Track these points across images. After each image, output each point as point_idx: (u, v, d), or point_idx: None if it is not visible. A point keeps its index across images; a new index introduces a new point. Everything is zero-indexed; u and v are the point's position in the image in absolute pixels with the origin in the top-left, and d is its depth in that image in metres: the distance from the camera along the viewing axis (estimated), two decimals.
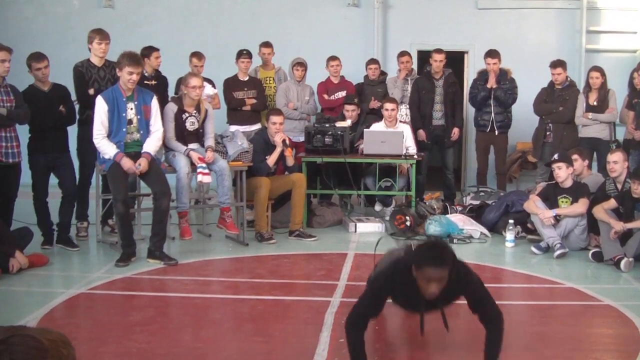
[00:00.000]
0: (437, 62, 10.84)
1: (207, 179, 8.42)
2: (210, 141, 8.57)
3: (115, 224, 8.54)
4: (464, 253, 8.37)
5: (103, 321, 6.08)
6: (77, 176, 8.83)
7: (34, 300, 6.43)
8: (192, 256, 8.15)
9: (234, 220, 8.78)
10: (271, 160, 9.17)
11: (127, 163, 7.65)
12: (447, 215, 9.63)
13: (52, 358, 2.00)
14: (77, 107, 8.75)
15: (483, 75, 10.93)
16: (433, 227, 9.14)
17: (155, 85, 9.46)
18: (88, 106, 8.40)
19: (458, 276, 4.41)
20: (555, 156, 8.74)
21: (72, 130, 8.82)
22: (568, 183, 8.57)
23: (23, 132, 8.18)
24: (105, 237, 8.86)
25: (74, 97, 8.68)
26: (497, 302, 4.68)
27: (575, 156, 8.91)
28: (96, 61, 8.68)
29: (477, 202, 10.15)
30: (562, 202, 8.55)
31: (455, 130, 11.00)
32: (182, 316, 6.30)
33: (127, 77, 7.62)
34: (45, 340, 2.02)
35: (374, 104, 11.04)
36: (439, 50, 10.96)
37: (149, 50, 9.77)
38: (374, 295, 4.69)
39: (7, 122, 7.75)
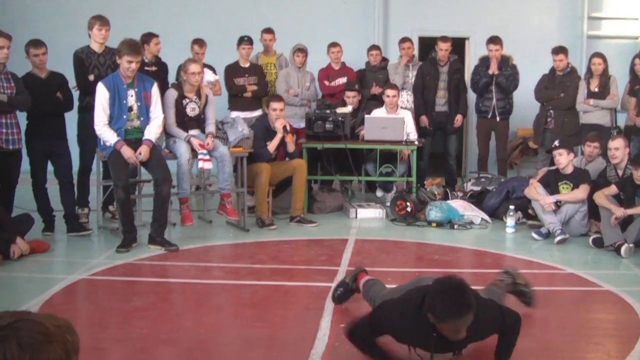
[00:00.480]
0: (443, 51, 10.83)
1: (208, 165, 8.41)
2: (211, 127, 8.57)
3: (115, 210, 8.55)
4: (464, 239, 8.43)
5: (104, 307, 6.09)
6: (78, 163, 8.83)
7: (35, 286, 6.44)
8: (193, 242, 8.16)
9: (234, 207, 8.78)
10: (272, 146, 9.16)
11: (127, 152, 7.65)
12: (448, 201, 9.63)
13: (57, 343, 2.00)
14: (76, 93, 8.74)
15: (485, 62, 10.91)
16: (434, 213, 9.14)
17: (155, 71, 9.45)
18: (88, 92, 8.39)
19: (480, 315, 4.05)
20: (556, 142, 8.73)
21: (72, 118, 8.81)
22: (569, 169, 8.57)
23: (21, 119, 8.17)
24: (106, 224, 8.86)
25: (72, 83, 8.66)
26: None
27: (596, 143, 8.89)
28: (96, 47, 8.67)
29: (477, 188, 10.15)
30: (563, 188, 8.55)
31: (459, 117, 10.99)
32: (183, 302, 6.32)
33: (127, 65, 7.61)
34: (51, 326, 2.02)
35: (375, 90, 11.02)
36: (444, 39, 10.94)
37: (148, 37, 9.76)
38: (372, 329, 4.39)
39: (8, 109, 7.75)
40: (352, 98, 10.57)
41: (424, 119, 10.85)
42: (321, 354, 4.86)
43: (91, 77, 8.49)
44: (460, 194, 10.19)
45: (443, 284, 3.98)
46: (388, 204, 9.93)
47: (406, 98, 11.04)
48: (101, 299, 6.39)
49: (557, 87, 10.39)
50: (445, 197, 10.10)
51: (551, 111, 10.44)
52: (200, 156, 8.30)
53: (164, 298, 6.34)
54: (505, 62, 10.76)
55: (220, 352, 5.17)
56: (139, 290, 6.50)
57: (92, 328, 5.43)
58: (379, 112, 10.35)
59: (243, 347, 5.16)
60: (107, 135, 7.68)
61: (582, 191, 8.40)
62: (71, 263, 7.37)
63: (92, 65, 8.61)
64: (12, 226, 7.46)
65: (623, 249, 7.63)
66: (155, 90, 7.93)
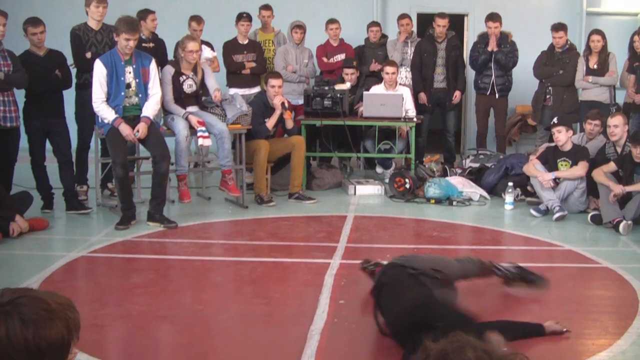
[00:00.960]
0: (441, 27, 10.78)
1: (207, 142, 8.41)
2: (215, 91, 8.58)
3: (114, 188, 8.55)
4: (463, 216, 8.44)
5: (103, 284, 6.11)
6: (76, 140, 8.83)
7: (35, 264, 6.45)
8: (191, 219, 8.17)
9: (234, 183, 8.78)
10: (270, 123, 9.15)
11: (125, 130, 7.64)
12: (447, 178, 9.63)
13: (59, 320, 2.01)
14: (74, 71, 8.72)
15: (484, 39, 10.88)
16: (432, 190, 9.15)
17: (152, 48, 9.42)
18: (85, 70, 8.38)
19: None
20: (555, 120, 8.73)
21: (70, 95, 8.79)
22: (567, 146, 8.57)
23: (19, 97, 8.15)
24: (105, 201, 8.87)
25: (70, 61, 8.64)
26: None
27: (597, 121, 8.88)
28: (93, 25, 8.64)
29: (476, 165, 10.15)
30: (562, 165, 8.56)
31: (457, 93, 10.97)
32: (182, 278, 6.33)
33: (124, 43, 7.58)
34: (53, 303, 2.04)
35: (374, 66, 10.99)
36: (442, 15, 10.89)
37: (144, 13, 9.71)
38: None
39: (5, 86, 7.74)
40: (350, 75, 10.54)
41: (422, 96, 10.83)
42: (320, 330, 4.88)
43: (88, 55, 8.47)
44: (459, 171, 10.19)
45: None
46: (387, 180, 9.93)
47: (405, 75, 11.02)
48: (101, 276, 6.41)
49: (556, 64, 10.37)
50: (444, 174, 10.10)
51: (550, 88, 10.42)
52: (199, 133, 8.29)
53: (163, 275, 6.36)
54: (504, 39, 10.73)
55: (219, 328, 5.19)
56: (138, 267, 6.52)
57: (91, 305, 5.45)
58: (377, 89, 10.33)
59: (242, 323, 5.18)
60: (105, 112, 7.67)
61: (581, 168, 8.40)
62: (70, 240, 7.38)
63: (89, 43, 8.59)
64: (12, 204, 7.47)
65: (621, 226, 7.64)
66: (153, 67, 7.91)
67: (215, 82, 8.70)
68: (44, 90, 8.19)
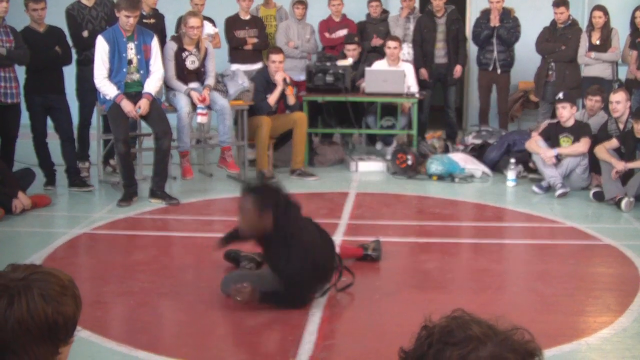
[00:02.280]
0: (437, 1, 10.71)
1: (203, 120, 8.47)
2: (210, 80, 8.53)
3: (116, 165, 8.55)
4: (465, 192, 8.44)
5: (106, 261, 6.13)
6: (77, 117, 8.82)
7: (37, 241, 6.47)
8: (193, 196, 8.18)
9: (235, 160, 8.77)
10: (272, 99, 9.13)
11: (127, 106, 7.62)
12: (449, 154, 9.61)
13: (70, 296, 2.04)
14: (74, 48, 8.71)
15: (486, 14, 10.82)
16: (434, 166, 9.14)
17: (153, 23, 9.38)
18: (83, 48, 8.39)
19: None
20: (560, 95, 8.67)
21: (71, 72, 8.77)
22: (570, 122, 8.54)
23: (19, 73, 8.13)
24: (107, 177, 8.87)
25: (68, 38, 8.61)
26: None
27: (597, 97, 8.85)
28: (86, 1, 8.63)
29: (478, 141, 10.12)
30: (564, 141, 8.54)
31: (458, 68, 10.93)
32: (184, 255, 6.35)
33: (124, 20, 7.56)
34: (64, 279, 2.06)
35: (376, 41, 10.94)
36: None
37: None
38: None
39: (6, 62, 7.72)
40: (352, 51, 10.50)
41: (423, 72, 10.78)
42: (322, 307, 4.90)
43: (85, 33, 8.48)
44: (461, 147, 10.17)
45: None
46: (389, 157, 9.92)
47: (407, 51, 10.96)
48: (103, 253, 6.43)
49: (559, 39, 10.32)
50: (446, 150, 10.09)
51: (552, 64, 10.37)
52: (199, 110, 8.30)
53: (165, 252, 6.38)
54: (506, 15, 10.67)
55: (221, 305, 5.20)
56: (140, 244, 6.54)
57: (94, 282, 5.48)
58: (380, 64, 10.29)
59: None
60: (107, 88, 7.65)
61: (583, 144, 8.39)
62: (73, 217, 7.39)
63: (85, 20, 8.57)
64: (14, 181, 7.46)
65: (623, 202, 7.64)
66: (155, 44, 7.89)
67: (214, 67, 8.66)
68: (44, 66, 8.16)
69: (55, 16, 8.62)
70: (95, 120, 8.64)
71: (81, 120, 8.87)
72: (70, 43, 8.60)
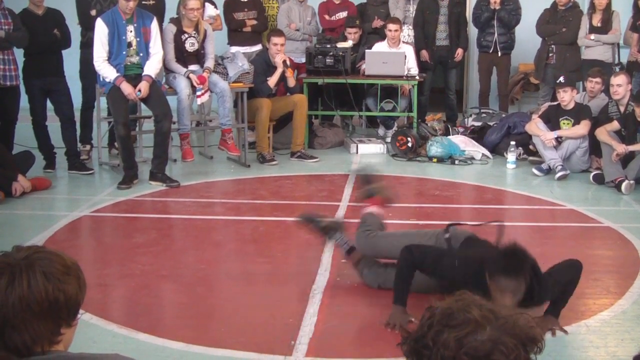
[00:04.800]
0: None
1: (204, 99, 8.48)
2: (209, 62, 8.51)
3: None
4: (465, 174, 8.44)
5: (106, 243, 6.15)
6: (80, 99, 8.82)
7: (38, 224, 6.48)
8: (194, 178, 8.18)
9: (235, 142, 8.77)
10: (272, 81, 9.11)
11: (127, 88, 7.61)
12: (449, 137, 9.61)
13: (73, 277, 2.07)
14: (77, 29, 8.69)
15: None
16: (435, 149, 9.13)
17: (153, 5, 9.35)
18: (90, 28, 8.34)
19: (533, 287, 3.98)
20: (561, 79, 8.64)
21: (71, 55, 8.75)
22: (570, 105, 8.53)
23: (18, 56, 8.11)
24: (112, 160, 8.86)
25: (69, 20, 8.59)
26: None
27: (597, 79, 8.84)
28: None
29: (478, 124, 10.12)
30: (564, 123, 8.53)
31: (459, 51, 10.90)
32: (185, 238, 6.36)
33: (124, 3, 7.55)
34: (67, 259, 2.10)
35: (376, 23, 10.91)
36: None
37: None
38: (435, 255, 4.44)
39: (5, 45, 7.71)
40: (353, 34, 10.46)
41: (424, 54, 10.76)
42: (322, 289, 4.91)
43: (93, 12, 8.44)
44: (461, 130, 10.16)
45: (509, 246, 4.00)
46: (389, 139, 9.92)
47: (407, 33, 10.93)
48: (103, 235, 6.45)
49: (559, 21, 10.28)
50: (446, 133, 10.08)
51: (553, 46, 10.34)
52: (198, 92, 8.30)
53: (165, 234, 6.39)
54: None
55: (221, 287, 5.22)
56: (140, 227, 6.54)
57: (95, 264, 5.49)
58: (380, 46, 10.27)
59: (244, 282, 5.22)
60: (106, 71, 7.65)
61: (583, 127, 8.38)
62: (73, 200, 7.40)
63: (94, 1, 8.55)
64: (13, 164, 7.46)
65: (624, 185, 7.64)
66: (154, 26, 7.87)
67: (213, 49, 8.64)
68: (43, 49, 8.14)
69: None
70: (97, 102, 8.62)
71: (84, 102, 8.87)
72: (69, 21, 8.57)
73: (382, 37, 10.50)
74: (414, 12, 10.96)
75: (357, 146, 9.68)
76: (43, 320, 2.00)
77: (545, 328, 4.21)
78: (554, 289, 4.27)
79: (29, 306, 1.97)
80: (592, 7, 10.05)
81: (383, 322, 4.34)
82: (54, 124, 8.46)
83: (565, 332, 4.30)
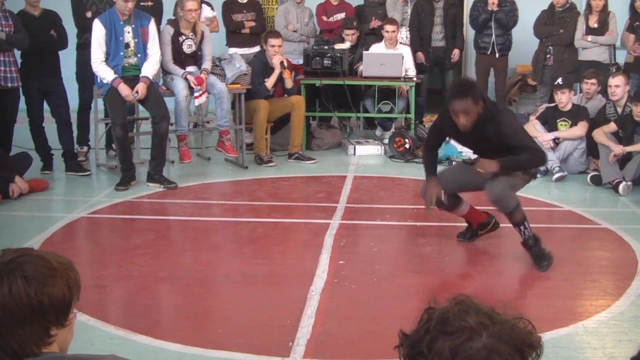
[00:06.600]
0: None
1: (201, 100, 8.47)
2: (207, 64, 8.50)
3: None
4: None
5: (104, 245, 6.14)
6: (77, 101, 8.82)
7: (35, 225, 6.48)
8: (191, 179, 8.18)
9: (233, 143, 8.77)
10: (270, 82, 9.11)
11: (124, 90, 7.61)
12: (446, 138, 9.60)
13: (60, 278, 2.05)
14: (74, 30, 8.68)
15: None
16: None
17: (151, 6, 9.34)
18: (85, 29, 8.33)
19: (487, 112, 5.11)
20: (559, 81, 8.64)
21: (68, 56, 8.76)
22: (568, 106, 8.54)
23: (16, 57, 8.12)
24: (104, 162, 8.86)
25: (65, 22, 8.58)
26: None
27: (593, 80, 8.85)
28: None
29: None
30: (561, 125, 8.54)
31: (456, 51, 10.91)
32: (183, 239, 6.36)
33: (123, 4, 7.55)
34: (54, 261, 2.08)
35: (374, 23, 10.91)
36: None
37: None
38: (433, 127, 5.97)
39: (6, 47, 7.70)
40: (350, 36, 10.46)
41: (420, 55, 10.75)
42: (320, 291, 4.91)
43: (88, 14, 8.43)
44: None
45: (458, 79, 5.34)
46: (386, 140, 9.92)
47: (405, 34, 10.94)
48: (101, 237, 6.44)
49: (557, 23, 10.29)
50: None
51: (550, 47, 10.35)
52: (195, 94, 8.29)
53: (163, 235, 6.39)
54: None
55: (219, 288, 5.23)
56: (138, 228, 6.54)
57: (92, 266, 5.49)
58: (378, 48, 10.26)
59: (242, 284, 5.23)
60: (103, 72, 7.64)
61: (581, 128, 8.39)
62: (71, 201, 7.39)
63: (90, 2, 8.55)
64: (11, 165, 7.45)
65: (621, 186, 7.64)
66: (152, 27, 7.87)
67: (210, 51, 8.61)
68: (40, 50, 8.14)
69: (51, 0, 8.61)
70: (94, 104, 8.61)
71: (81, 104, 8.86)
72: (65, 22, 8.57)
73: (379, 38, 10.50)
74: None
75: (354, 147, 9.68)
76: (28, 324, 1.99)
77: (484, 165, 5.28)
78: (510, 125, 5.28)
79: (11, 313, 1.96)
80: (589, 9, 10.06)
81: (418, 192, 5.85)
82: (51, 126, 8.45)
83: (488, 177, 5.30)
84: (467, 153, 9.13)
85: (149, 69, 7.79)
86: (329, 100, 10.16)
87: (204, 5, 9.38)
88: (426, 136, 5.94)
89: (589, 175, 8.16)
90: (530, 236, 5.44)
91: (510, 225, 5.55)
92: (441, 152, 9.03)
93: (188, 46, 8.42)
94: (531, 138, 5.61)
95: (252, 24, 10.46)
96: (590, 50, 10.03)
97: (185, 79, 8.26)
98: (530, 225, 5.47)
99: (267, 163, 8.89)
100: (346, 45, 10.12)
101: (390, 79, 9.85)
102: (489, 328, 1.68)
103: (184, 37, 8.39)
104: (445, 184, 5.70)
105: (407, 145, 9.31)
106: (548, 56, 10.36)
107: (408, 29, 10.93)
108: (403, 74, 9.87)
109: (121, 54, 7.68)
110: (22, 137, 8.50)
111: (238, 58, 9.00)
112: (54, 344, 2.06)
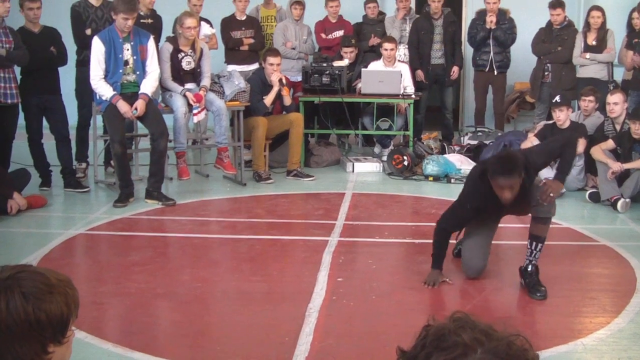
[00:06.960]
0: (436, 3, 10.71)
1: (200, 117, 8.47)
2: (206, 81, 8.52)
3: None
4: None
5: (102, 261, 6.13)
6: (77, 117, 8.83)
7: (33, 241, 6.47)
8: (190, 196, 8.17)
9: (231, 160, 8.78)
10: (268, 99, 9.12)
11: (123, 107, 7.62)
12: (445, 155, 9.62)
13: (59, 295, 2.03)
14: (73, 47, 8.70)
15: (482, 15, 10.82)
16: (431, 167, 9.14)
17: (151, 24, 9.37)
18: (85, 47, 8.35)
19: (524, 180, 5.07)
20: (557, 98, 8.65)
21: (67, 73, 8.77)
22: (566, 124, 8.55)
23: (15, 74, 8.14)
24: (108, 178, 8.85)
25: (65, 38, 8.60)
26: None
27: (590, 97, 8.87)
28: (94, 1, 8.63)
29: (474, 142, 10.13)
30: None
31: (455, 69, 10.93)
32: (181, 256, 6.35)
33: (122, 22, 7.57)
34: (53, 278, 2.06)
35: (373, 40, 10.94)
36: None
37: None
38: (459, 210, 5.49)
39: (6, 63, 7.72)
40: (349, 53, 10.49)
41: (420, 73, 10.78)
42: (318, 308, 4.90)
43: (88, 31, 8.45)
44: (457, 148, 10.18)
45: (500, 152, 5.47)
46: (385, 158, 9.92)
47: (403, 52, 10.97)
48: (99, 253, 6.43)
49: (555, 40, 10.33)
50: (442, 151, 10.09)
51: (548, 65, 10.38)
52: (194, 111, 8.30)
53: (161, 252, 6.38)
54: (502, 16, 10.68)
55: (217, 305, 5.21)
56: (136, 245, 6.53)
57: (90, 283, 5.48)
58: (376, 65, 10.29)
59: (240, 301, 5.21)
60: (102, 89, 7.65)
61: (579, 145, 8.39)
62: (69, 218, 7.38)
63: (89, 19, 8.57)
64: (9, 181, 7.45)
65: (619, 203, 7.65)
66: (151, 44, 7.89)
67: (209, 68, 8.63)
68: (39, 67, 8.15)
69: (50, 17, 8.63)
70: (93, 120, 8.62)
71: (80, 120, 8.87)
72: (65, 39, 8.59)
73: (378, 55, 10.52)
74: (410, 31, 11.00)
75: (353, 165, 9.69)
76: (26, 341, 1.97)
77: (554, 188, 5.31)
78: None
79: (8, 328, 1.94)
80: (587, 26, 10.09)
81: (421, 280, 5.40)
82: (49, 142, 8.45)
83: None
84: (466, 170, 9.15)
85: (148, 85, 7.80)
86: (327, 117, 10.17)
87: (202, 23, 9.41)
88: (446, 219, 5.51)
89: (588, 192, 8.16)
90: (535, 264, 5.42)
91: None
92: (439, 169, 9.09)
93: (187, 63, 8.43)
94: (552, 140, 6.01)
95: (251, 41, 10.51)
96: (588, 67, 10.06)
97: (184, 96, 8.27)
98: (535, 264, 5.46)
99: (266, 180, 8.90)
100: (345, 62, 10.13)
101: (388, 96, 9.87)
102: (485, 344, 1.67)
103: (183, 54, 8.40)
104: (478, 261, 5.64)
105: (405, 163, 9.31)
106: (546, 73, 10.40)
107: (406, 46, 10.97)
108: (401, 91, 9.88)
109: (120, 71, 7.69)
110: (20, 153, 8.50)
111: (237, 75, 9.02)
112: None
